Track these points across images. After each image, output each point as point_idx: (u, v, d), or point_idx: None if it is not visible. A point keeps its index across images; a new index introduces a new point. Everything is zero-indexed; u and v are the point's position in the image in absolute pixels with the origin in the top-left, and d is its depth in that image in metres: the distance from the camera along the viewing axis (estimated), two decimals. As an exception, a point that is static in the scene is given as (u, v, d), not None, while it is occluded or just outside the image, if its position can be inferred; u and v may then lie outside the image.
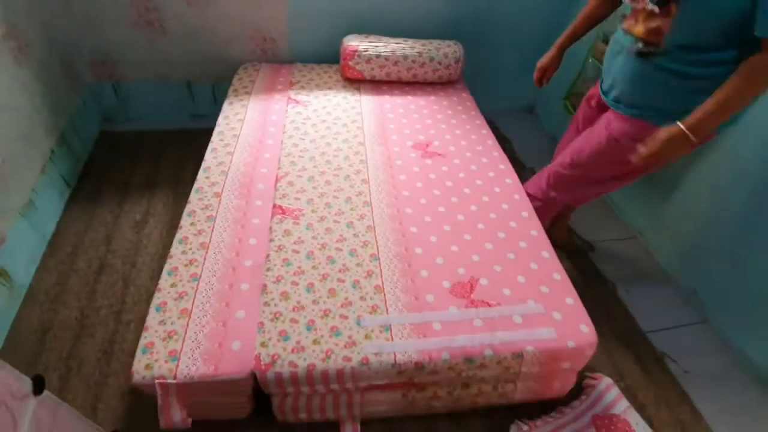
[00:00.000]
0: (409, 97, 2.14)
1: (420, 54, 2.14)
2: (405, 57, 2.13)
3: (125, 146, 2.19)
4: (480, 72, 2.49)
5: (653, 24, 1.10)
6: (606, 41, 1.96)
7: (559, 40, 1.51)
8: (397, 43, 2.16)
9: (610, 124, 1.32)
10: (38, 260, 1.63)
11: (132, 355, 1.42)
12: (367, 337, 1.10)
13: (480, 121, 2.01)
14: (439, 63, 2.17)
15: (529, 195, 1.62)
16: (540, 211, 1.57)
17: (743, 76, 0.99)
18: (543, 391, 1.28)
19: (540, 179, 1.64)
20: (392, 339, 1.10)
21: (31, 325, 1.46)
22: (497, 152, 1.81)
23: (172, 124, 2.34)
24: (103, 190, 1.95)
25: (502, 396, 1.25)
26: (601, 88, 1.38)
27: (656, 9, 1.08)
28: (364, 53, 2.10)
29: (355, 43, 2.12)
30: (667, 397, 1.45)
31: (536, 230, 1.44)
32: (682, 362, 1.56)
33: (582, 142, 1.44)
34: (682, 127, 1.06)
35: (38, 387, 0.92)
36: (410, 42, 2.18)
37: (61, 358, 1.40)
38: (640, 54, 1.15)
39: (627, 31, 1.19)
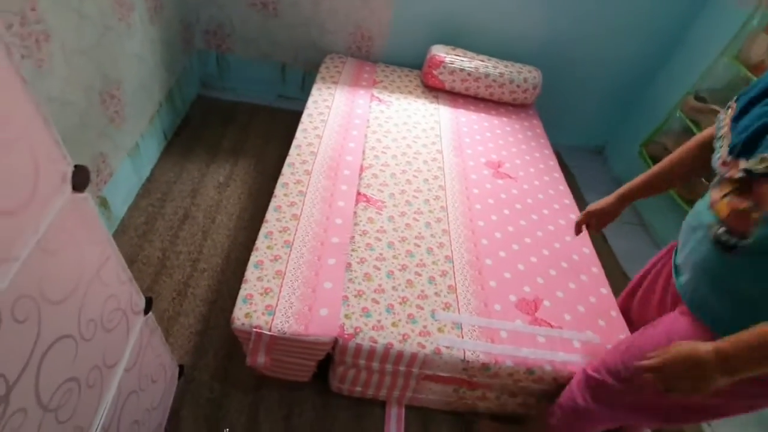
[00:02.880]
0: (483, 114, 2.24)
1: (501, 75, 2.24)
2: (487, 75, 2.23)
3: (217, 112, 2.35)
4: (554, 103, 2.57)
5: (741, 205, 0.79)
6: (698, 98, 2.01)
7: (623, 189, 1.18)
8: (481, 60, 2.26)
9: (674, 322, 0.94)
10: (132, 199, 1.77)
11: (202, 300, 1.55)
12: (440, 330, 1.20)
13: (548, 152, 2.10)
14: (518, 86, 2.26)
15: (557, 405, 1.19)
16: (563, 424, 1.15)
17: None
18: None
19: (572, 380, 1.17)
20: (462, 337, 1.20)
21: (120, 255, 1.59)
22: (563, 186, 1.90)
23: (261, 99, 2.50)
24: (194, 148, 2.09)
25: (541, 410, 1.34)
26: (674, 262, 1.00)
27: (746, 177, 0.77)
28: (449, 65, 2.21)
29: (442, 53, 2.22)
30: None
31: (596, 268, 1.53)
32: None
33: (637, 340, 1.01)
34: (710, 347, 0.74)
35: (148, 307, 1.04)
36: (493, 61, 2.28)
37: (141, 289, 1.51)
38: (719, 242, 0.82)
39: (710, 204, 0.87)
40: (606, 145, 2.86)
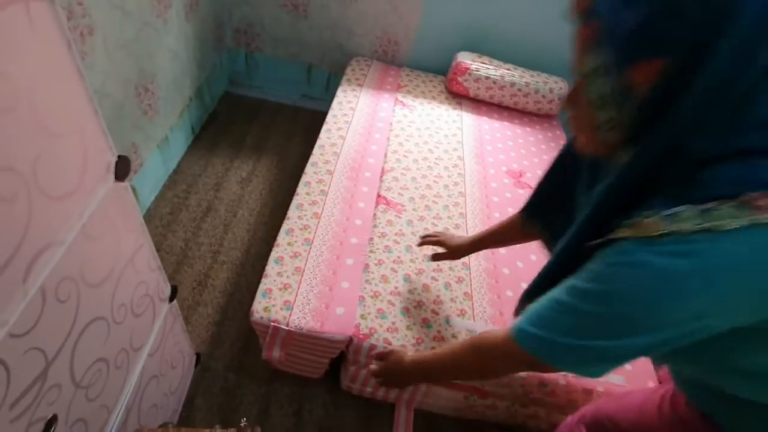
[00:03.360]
0: (506, 123, 2.24)
1: (527, 84, 2.24)
2: (512, 84, 2.23)
3: (243, 109, 2.41)
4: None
5: None
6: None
7: (475, 236, 1.13)
8: (507, 69, 2.26)
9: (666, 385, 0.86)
10: (159, 189, 1.83)
11: (221, 292, 1.59)
12: (454, 336, 1.21)
13: (570, 164, 2.08)
14: (543, 96, 2.25)
15: None
16: None
17: (466, 347, 0.76)
18: None
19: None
20: (476, 344, 1.20)
21: (146, 244, 1.64)
22: (584, 198, 1.88)
23: (285, 98, 2.55)
24: (219, 143, 2.15)
25: (551, 424, 1.34)
26: None
27: None
28: (475, 72, 2.21)
29: (468, 60, 2.23)
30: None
31: (614, 281, 1.51)
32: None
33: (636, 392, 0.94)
34: (416, 357, 0.87)
35: (173, 294, 1.07)
36: (519, 70, 2.27)
37: (164, 279, 1.57)
38: None
39: None
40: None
